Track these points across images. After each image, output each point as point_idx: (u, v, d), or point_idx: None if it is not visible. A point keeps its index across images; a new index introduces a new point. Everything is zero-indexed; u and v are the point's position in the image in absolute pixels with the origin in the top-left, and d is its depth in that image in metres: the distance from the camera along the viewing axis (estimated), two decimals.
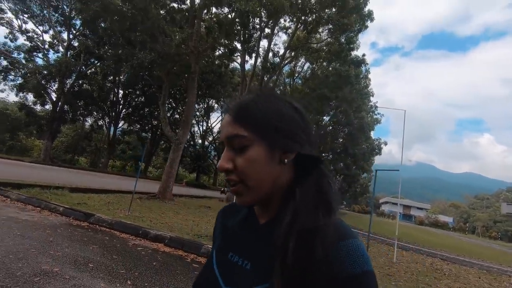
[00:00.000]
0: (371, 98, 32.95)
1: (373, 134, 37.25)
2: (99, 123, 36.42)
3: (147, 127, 38.24)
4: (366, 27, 18.48)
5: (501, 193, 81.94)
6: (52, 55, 28.73)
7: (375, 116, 35.02)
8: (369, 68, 24.71)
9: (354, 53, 20.96)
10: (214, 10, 12.21)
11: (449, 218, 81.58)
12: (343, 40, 17.95)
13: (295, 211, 0.52)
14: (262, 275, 0.52)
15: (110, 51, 27.52)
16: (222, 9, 11.76)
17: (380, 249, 9.11)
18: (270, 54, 21.29)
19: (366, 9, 17.35)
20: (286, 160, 0.56)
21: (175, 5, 15.55)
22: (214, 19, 10.79)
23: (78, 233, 4.87)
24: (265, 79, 20.49)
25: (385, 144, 37.58)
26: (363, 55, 21.15)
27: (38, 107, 29.45)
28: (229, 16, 10.62)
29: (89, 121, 36.99)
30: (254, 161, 0.54)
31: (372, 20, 18.28)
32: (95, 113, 34.20)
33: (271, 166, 0.55)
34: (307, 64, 25.99)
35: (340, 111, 30.21)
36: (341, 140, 35.29)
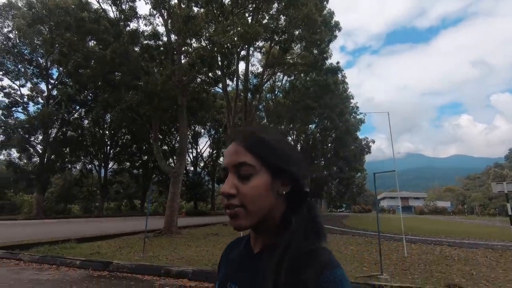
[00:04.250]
0: (352, 100, 34.12)
1: (359, 134, 38.22)
2: (88, 167, 35.96)
3: (137, 164, 37.98)
4: (336, 36, 19.57)
5: (490, 169, 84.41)
6: (32, 107, 28.60)
7: (358, 117, 36.11)
8: (344, 74, 25.77)
9: (328, 61, 22.02)
10: (194, 44, 12.76)
11: (447, 203, 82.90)
12: (316, 52, 18.87)
13: (289, 239, 0.56)
14: None
15: (91, 95, 27.77)
16: (202, 43, 12.32)
17: (390, 246, 9.40)
18: (250, 74, 22.03)
19: (333, 21, 18.46)
20: (284, 192, 0.61)
21: (151, 42, 16.13)
22: (193, 54, 11.27)
23: (104, 284, 4.96)
24: (249, 99, 21.10)
25: (373, 142, 38.56)
26: (337, 62, 22.21)
27: (24, 162, 29.00)
28: (209, 48, 11.14)
29: (77, 167, 36.48)
30: (258, 189, 0.58)
31: (339, 29, 19.40)
32: (83, 158, 33.84)
33: (270, 195, 0.60)
34: (285, 78, 26.89)
35: (324, 117, 31.13)
36: (330, 145, 36.09)
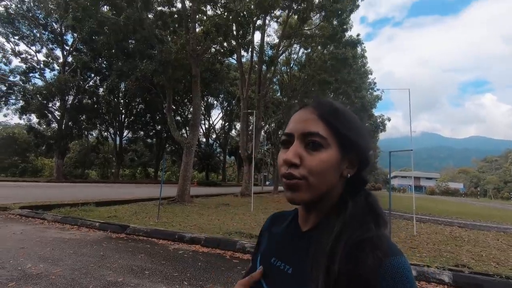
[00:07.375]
0: (370, 76, 32.88)
1: (375, 111, 37.18)
2: (104, 135, 36.95)
3: (151, 133, 38.70)
4: (358, 6, 18.44)
5: (510, 152, 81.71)
6: (48, 74, 29.02)
7: (375, 93, 34.95)
8: (364, 47, 24.60)
9: (348, 33, 20.97)
10: (209, 12, 12.32)
11: (459, 185, 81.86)
12: (335, 22, 17.95)
13: (345, 222, 0.53)
14: (302, 280, 0.54)
15: (105, 62, 27.78)
16: (217, 11, 11.88)
17: (399, 224, 9.45)
18: (265, 45, 21.35)
19: None
20: (349, 175, 0.57)
21: (165, 9, 15.67)
22: (208, 22, 10.90)
23: (122, 245, 5.24)
24: (263, 71, 20.63)
25: (389, 120, 37.55)
26: (358, 35, 21.10)
27: (43, 127, 30.00)
28: (224, 16, 10.73)
29: (93, 134, 37.51)
30: (325, 163, 0.54)
31: None
32: (99, 125, 34.69)
33: (335, 174, 0.56)
34: (302, 50, 25.96)
35: (340, 93, 30.28)
36: None
